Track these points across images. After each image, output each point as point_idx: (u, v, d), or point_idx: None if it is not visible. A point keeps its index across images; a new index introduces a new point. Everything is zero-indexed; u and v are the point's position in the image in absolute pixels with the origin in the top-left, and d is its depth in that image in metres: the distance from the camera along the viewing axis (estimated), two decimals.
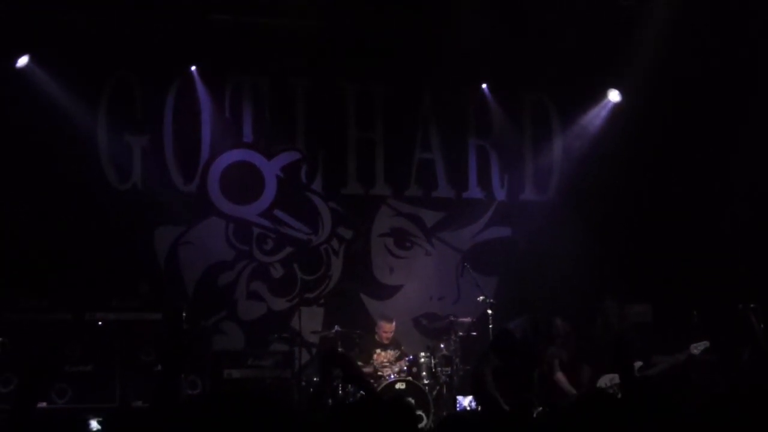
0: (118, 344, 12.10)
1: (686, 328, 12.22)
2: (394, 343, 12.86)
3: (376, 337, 12.91)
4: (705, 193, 14.11)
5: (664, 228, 14.25)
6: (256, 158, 14.07)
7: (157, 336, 12.22)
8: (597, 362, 11.59)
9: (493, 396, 10.50)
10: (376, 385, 12.08)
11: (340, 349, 12.38)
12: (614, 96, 14.41)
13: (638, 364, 11.08)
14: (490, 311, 12.38)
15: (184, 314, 12.35)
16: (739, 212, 13.77)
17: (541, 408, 10.01)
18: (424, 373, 12.38)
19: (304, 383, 12.59)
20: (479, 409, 12.24)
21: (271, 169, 14.09)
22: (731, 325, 11.84)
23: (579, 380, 11.69)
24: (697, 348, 11.34)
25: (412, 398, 11.99)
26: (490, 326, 12.27)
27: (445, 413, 12.17)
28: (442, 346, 12.67)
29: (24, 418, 6.13)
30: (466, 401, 12.42)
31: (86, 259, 12.89)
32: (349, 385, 12.26)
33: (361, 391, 12.07)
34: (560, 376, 11.65)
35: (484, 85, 14.49)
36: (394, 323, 12.96)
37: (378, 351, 12.62)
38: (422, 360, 12.46)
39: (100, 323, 12.11)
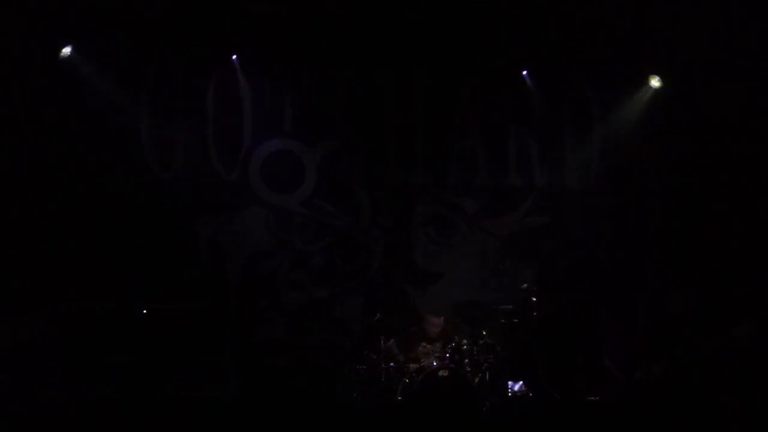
0: (162, 334, 12.14)
1: (727, 315, 12.19)
2: (444, 337, 12.79)
3: (425, 329, 12.85)
4: (746, 181, 14.01)
5: (705, 216, 14.17)
6: (296, 147, 14.09)
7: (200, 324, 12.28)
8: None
9: (545, 383, 10.54)
10: (418, 372, 12.08)
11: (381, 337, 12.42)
12: (655, 82, 14.32)
13: None
14: (534, 298, 12.36)
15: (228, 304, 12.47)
16: None
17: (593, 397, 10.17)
18: (466, 360, 12.35)
19: (347, 371, 12.60)
20: (530, 395, 12.29)
21: (311, 157, 14.11)
22: None
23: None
24: (738, 332, 11.31)
25: (455, 386, 11.99)
26: (534, 313, 12.26)
27: (488, 401, 12.19)
28: (483, 333, 12.65)
29: None
30: (516, 387, 12.40)
31: (129, 248, 12.98)
32: (392, 372, 12.30)
33: (405, 380, 12.17)
34: (607, 362, 11.65)
35: (524, 72, 14.43)
36: (442, 318, 12.91)
37: (424, 344, 12.59)
38: (464, 347, 12.43)
39: (144, 311, 12.14)
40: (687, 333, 11.78)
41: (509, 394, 12.39)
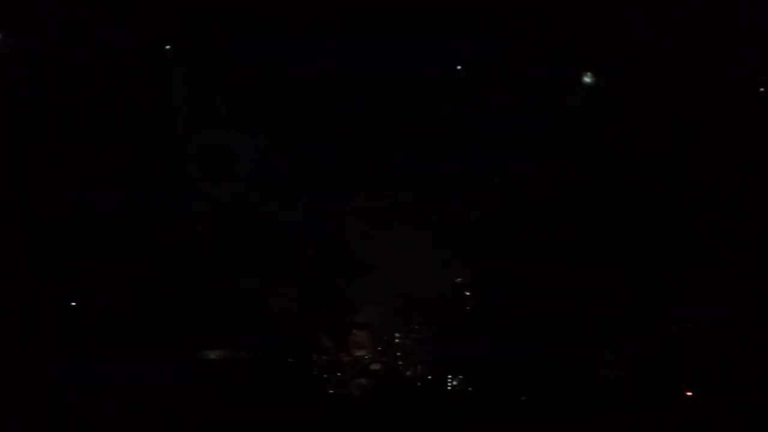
0: (97, 328, 12.05)
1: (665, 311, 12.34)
2: (368, 325, 12.88)
3: (358, 318, 12.91)
4: (687, 174, 14.13)
5: (645, 210, 14.28)
6: (232, 137, 14.00)
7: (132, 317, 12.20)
8: None
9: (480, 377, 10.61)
10: (351, 365, 12.14)
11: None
12: (588, 78, 14.39)
13: None
14: (467, 292, 12.41)
15: (160, 297, 12.39)
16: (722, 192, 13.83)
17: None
18: (399, 354, 12.40)
19: (280, 364, 12.57)
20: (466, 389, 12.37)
21: (247, 147, 14.03)
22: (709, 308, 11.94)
23: None
24: (677, 330, 11.45)
25: (388, 379, 12.06)
26: (467, 307, 12.31)
27: (420, 394, 12.24)
28: (417, 327, 12.69)
29: None
30: (455, 381, 12.46)
31: (60, 240, 12.84)
32: (325, 366, 12.34)
33: (338, 373, 12.19)
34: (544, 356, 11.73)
35: (458, 67, 14.44)
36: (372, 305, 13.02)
37: (355, 332, 12.65)
38: (397, 340, 12.48)
39: (73, 304, 12.05)
40: (623, 329, 11.91)
41: (443, 389, 12.44)
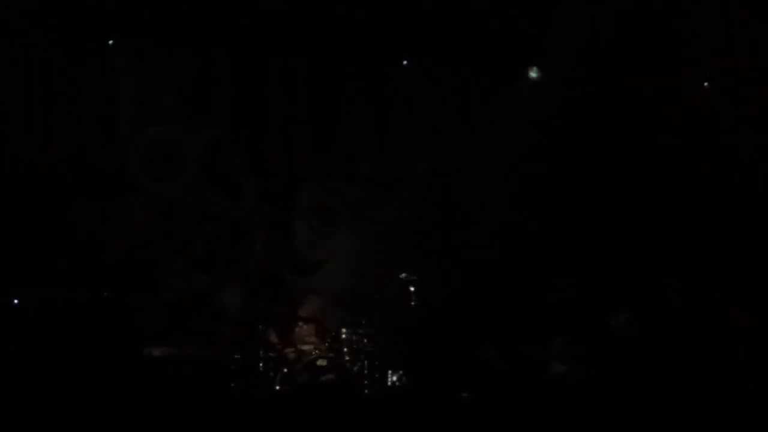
0: (38, 325, 11.91)
1: (607, 303, 12.39)
2: (314, 320, 12.85)
3: (301, 311, 12.87)
4: (627, 165, 14.22)
5: (589, 202, 14.36)
6: (177, 133, 13.90)
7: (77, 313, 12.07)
8: None
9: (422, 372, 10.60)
10: (298, 361, 12.10)
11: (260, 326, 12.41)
12: (533, 73, 14.43)
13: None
14: (412, 288, 12.41)
15: (104, 293, 12.28)
16: (661, 184, 13.93)
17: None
18: (345, 349, 12.39)
19: (224, 360, 12.51)
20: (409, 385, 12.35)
21: (192, 144, 13.94)
22: (652, 299, 12.00)
23: None
24: (617, 320, 11.51)
25: (334, 375, 12.03)
26: (412, 303, 12.31)
27: (367, 390, 12.24)
28: (363, 322, 12.67)
29: None
30: (395, 376, 12.44)
31: (3, 236, 12.69)
32: (270, 362, 12.29)
33: (283, 369, 12.15)
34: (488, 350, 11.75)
35: (404, 62, 14.44)
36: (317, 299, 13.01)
37: (300, 324, 12.62)
38: (344, 336, 12.46)
39: (16, 301, 11.90)
40: (567, 322, 11.95)
41: (388, 384, 12.43)
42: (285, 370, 12.14)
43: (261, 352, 12.29)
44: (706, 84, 14.17)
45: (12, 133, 13.13)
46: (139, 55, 13.63)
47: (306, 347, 12.32)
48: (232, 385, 12.19)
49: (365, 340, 12.48)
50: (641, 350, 11.79)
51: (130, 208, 13.68)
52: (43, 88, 13.23)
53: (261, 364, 12.23)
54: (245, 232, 14.03)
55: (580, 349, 11.63)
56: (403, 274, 12.67)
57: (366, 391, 12.26)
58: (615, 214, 14.19)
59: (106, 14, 13.08)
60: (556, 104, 14.11)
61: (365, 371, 12.41)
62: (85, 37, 13.22)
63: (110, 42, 13.41)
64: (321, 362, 12.10)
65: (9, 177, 12.98)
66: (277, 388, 11.98)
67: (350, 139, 14.46)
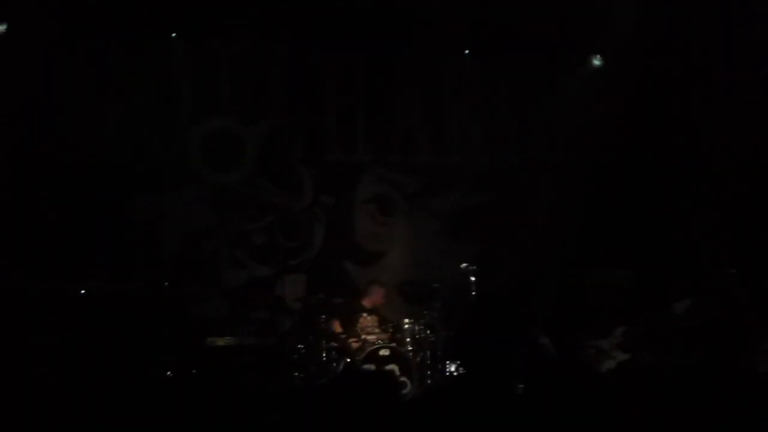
0: (99, 315, 12.02)
1: (667, 292, 12.30)
2: (376, 309, 12.88)
3: (365, 302, 12.89)
4: (690, 158, 14.11)
5: (646, 192, 14.27)
6: (236, 124, 13.98)
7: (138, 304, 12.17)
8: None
9: (478, 362, 10.51)
10: (360, 351, 12.13)
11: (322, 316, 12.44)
12: (596, 61, 14.35)
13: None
14: (472, 278, 12.39)
15: (165, 283, 12.37)
16: (722, 177, 13.79)
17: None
18: (408, 340, 12.40)
19: (287, 350, 12.57)
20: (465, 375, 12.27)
21: (251, 135, 14.01)
22: (711, 287, 11.91)
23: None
24: (680, 307, 11.42)
25: (396, 365, 12.05)
26: (473, 292, 12.29)
27: (429, 380, 12.24)
28: (425, 312, 12.67)
29: None
30: (453, 367, 12.43)
31: (64, 229, 12.81)
32: (333, 352, 12.33)
33: (346, 359, 12.17)
34: (544, 340, 11.69)
35: (466, 51, 14.42)
36: (383, 289, 13.06)
37: (364, 315, 12.64)
38: (406, 326, 12.47)
39: (83, 291, 12.01)
40: (629, 310, 11.88)
41: (446, 375, 12.41)
42: (347, 359, 12.16)
43: (323, 342, 12.33)
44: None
45: (73, 126, 13.24)
46: (199, 47, 13.71)
47: (370, 337, 12.34)
48: (295, 374, 12.24)
49: (427, 331, 12.48)
50: (703, 338, 11.73)
51: (189, 200, 13.75)
52: (103, 81, 13.32)
53: (323, 354, 12.26)
54: (305, 223, 14.08)
55: (642, 338, 11.55)
56: (463, 264, 12.64)
57: (428, 381, 12.25)
58: (675, 202, 14.09)
59: (166, 7, 13.16)
60: (615, 95, 14.00)
61: (427, 361, 12.41)
62: (146, 31, 13.31)
63: (172, 35, 13.49)
64: (383, 352, 12.11)
65: (70, 170, 13.09)
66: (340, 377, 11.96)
67: (408, 130, 14.47)
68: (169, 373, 11.61)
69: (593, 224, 14.13)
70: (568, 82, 14.43)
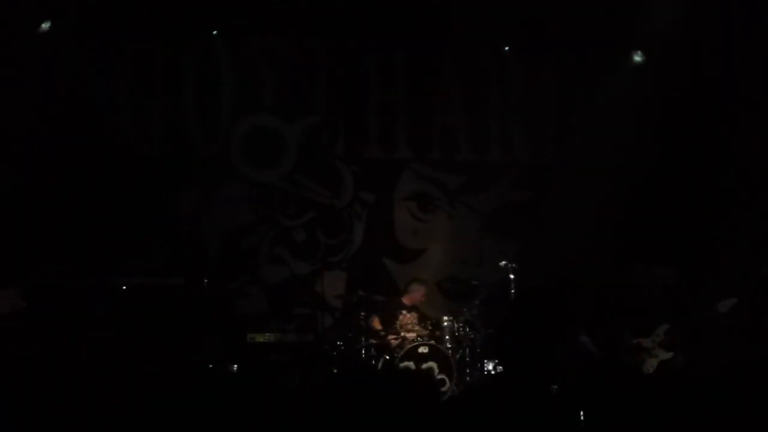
0: (141, 309, 12.10)
1: (711, 290, 12.20)
2: (416, 306, 12.89)
3: (405, 300, 12.89)
4: (731, 156, 13.99)
5: (689, 190, 14.17)
6: (277, 122, 14.03)
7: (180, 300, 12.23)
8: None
9: (516, 361, 10.48)
10: (399, 348, 12.13)
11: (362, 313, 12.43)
12: (637, 57, 14.25)
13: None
14: (512, 276, 12.36)
15: (205, 280, 12.45)
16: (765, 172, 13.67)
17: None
18: (447, 337, 12.39)
19: (327, 347, 12.60)
20: (503, 373, 12.26)
21: (292, 132, 14.05)
22: (756, 285, 11.82)
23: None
24: (725, 306, 11.31)
25: (435, 362, 12.04)
26: (512, 290, 12.27)
27: (468, 377, 12.23)
28: (464, 309, 12.66)
29: None
30: (491, 365, 12.40)
31: (108, 224, 12.92)
32: (372, 349, 12.35)
33: (385, 356, 12.18)
34: (584, 338, 11.61)
35: (506, 48, 14.37)
36: (424, 287, 13.07)
37: (404, 312, 12.64)
38: (445, 324, 12.46)
39: (124, 287, 12.08)
40: (673, 308, 11.80)
41: (485, 373, 12.40)
42: (386, 356, 12.17)
43: (363, 340, 12.35)
44: None
45: (116, 123, 13.36)
46: (240, 45, 13.78)
47: (409, 335, 12.33)
48: (335, 371, 12.27)
49: (466, 328, 12.46)
50: (749, 336, 11.63)
51: (230, 196, 13.82)
52: (146, 79, 13.45)
53: (363, 351, 12.28)
54: (345, 220, 14.10)
55: (686, 337, 11.46)
56: (503, 262, 12.61)
57: (467, 378, 12.24)
58: (716, 200, 13.98)
59: (208, 6, 13.23)
60: (657, 92, 13.89)
61: (466, 359, 12.40)
62: (188, 29, 13.40)
63: (213, 33, 13.56)
64: (423, 349, 12.10)
65: (113, 166, 13.20)
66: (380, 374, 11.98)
67: (449, 127, 14.45)
68: (210, 366, 11.67)
69: (635, 221, 14.03)
70: (610, 78, 14.32)
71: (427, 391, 5.29)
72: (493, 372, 12.40)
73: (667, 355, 11.35)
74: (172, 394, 10.47)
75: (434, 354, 12.11)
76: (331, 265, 13.85)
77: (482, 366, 12.48)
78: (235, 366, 11.99)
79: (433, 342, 12.24)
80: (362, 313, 12.47)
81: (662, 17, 13.22)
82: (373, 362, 12.19)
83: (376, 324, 12.61)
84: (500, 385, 11.26)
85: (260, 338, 12.55)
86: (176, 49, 13.54)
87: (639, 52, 14.20)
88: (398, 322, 12.49)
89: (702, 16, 12.94)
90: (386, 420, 7.03)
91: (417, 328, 12.46)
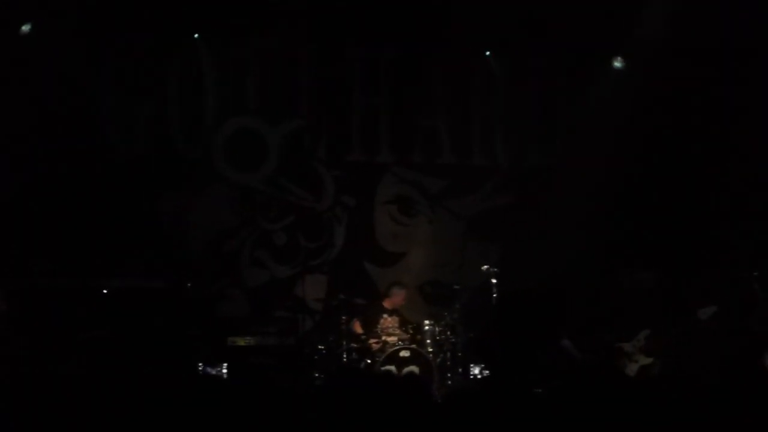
0: (124, 312, 12.08)
1: (691, 295, 12.27)
2: (397, 310, 12.89)
3: (386, 304, 12.90)
4: (711, 159, 14.06)
5: (671, 194, 14.23)
6: (259, 125, 14.02)
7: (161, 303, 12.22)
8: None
9: (501, 365, 10.51)
10: (380, 352, 12.14)
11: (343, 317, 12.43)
12: (617, 63, 14.29)
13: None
14: (493, 280, 12.38)
15: (188, 284, 12.44)
16: (745, 179, 13.74)
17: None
18: (428, 341, 12.41)
19: (308, 350, 12.60)
20: (489, 377, 12.29)
21: (274, 135, 14.04)
22: (735, 292, 11.87)
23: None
24: (705, 313, 11.38)
25: (416, 366, 12.07)
26: (494, 294, 12.29)
27: (449, 381, 12.25)
28: (446, 313, 12.68)
29: None
30: (477, 369, 12.44)
31: (91, 226, 12.89)
32: (353, 353, 12.35)
33: (367, 360, 12.18)
34: (567, 342, 11.66)
35: (487, 52, 14.41)
36: (404, 291, 13.05)
37: (384, 316, 12.65)
38: (426, 328, 12.48)
39: (105, 291, 12.08)
40: (653, 314, 11.84)
41: (470, 377, 12.43)
42: (368, 360, 12.18)
43: (344, 343, 12.35)
44: None
45: (99, 125, 13.33)
46: (223, 48, 13.77)
47: (390, 339, 12.35)
48: (316, 375, 12.26)
49: (448, 332, 12.48)
50: (729, 343, 11.69)
51: (213, 199, 13.80)
52: (130, 81, 13.42)
53: (344, 355, 12.29)
54: (326, 224, 14.10)
55: (666, 342, 11.53)
56: (485, 266, 12.63)
57: (449, 382, 12.26)
58: (700, 205, 14.05)
59: (192, 8, 13.21)
60: (639, 97, 13.95)
61: (448, 363, 12.42)
62: (172, 32, 13.38)
63: (195, 36, 13.55)
64: (404, 353, 12.12)
65: (96, 168, 13.17)
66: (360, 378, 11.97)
67: (431, 130, 14.47)
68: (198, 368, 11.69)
69: (617, 226, 14.08)
70: (592, 83, 14.38)
71: (418, 396, 5.30)
72: (479, 376, 12.43)
73: (647, 360, 11.41)
74: (155, 395, 10.48)
75: (415, 358, 12.14)
76: (311, 269, 13.83)
77: (464, 370, 12.50)
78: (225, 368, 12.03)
79: (414, 346, 12.26)
80: (343, 317, 12.47)
81: (652, 22, 13.29)
82: (354, 366, 12.18)
83: (357, 328, 12.61)
84: (486, 389, 11.33)
85: (241, 341, 12.55)
86: (160, 52, 13.52)
87: (619, 58, 14.23)
88: (379, 326, 12.51)
89: (689, 20, 13.01)
90: (375, 423, 7.05)
91: (398, 331, 12.48)
